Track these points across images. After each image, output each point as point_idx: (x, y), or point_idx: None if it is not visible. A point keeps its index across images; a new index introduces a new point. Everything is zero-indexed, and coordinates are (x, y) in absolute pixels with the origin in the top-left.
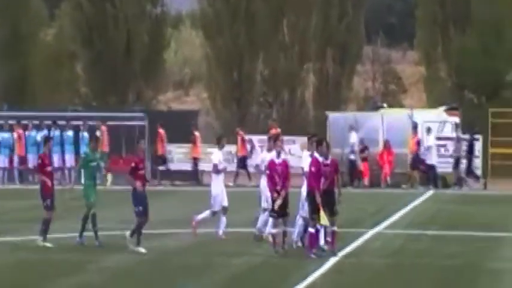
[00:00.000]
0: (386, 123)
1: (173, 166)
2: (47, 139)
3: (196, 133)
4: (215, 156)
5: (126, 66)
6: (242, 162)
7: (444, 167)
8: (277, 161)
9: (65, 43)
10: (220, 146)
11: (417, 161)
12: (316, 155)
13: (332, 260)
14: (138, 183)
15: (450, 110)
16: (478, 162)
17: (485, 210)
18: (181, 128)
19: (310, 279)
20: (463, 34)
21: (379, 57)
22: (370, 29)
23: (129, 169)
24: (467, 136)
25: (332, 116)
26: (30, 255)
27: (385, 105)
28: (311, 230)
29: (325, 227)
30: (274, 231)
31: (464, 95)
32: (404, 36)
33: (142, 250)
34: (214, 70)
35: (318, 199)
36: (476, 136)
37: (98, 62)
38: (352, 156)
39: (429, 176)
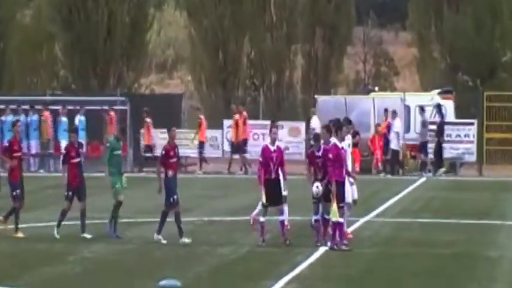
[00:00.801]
0: (377, 107)
1: (156, 153)
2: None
3: (148, 119)
4: None
5: (106, 48)
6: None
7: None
8: (272, 148)
9: (43, 24)
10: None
11: (386, 146)
12: (335, 141)
13: (321, 250)
14: (170, 172)
15: (444, 94)
16: (472, 148)
17: (480, 197)
18: (165, 112)
19: (298, 269)
20: (457, 13)
21: (370, 38)
22: (360, 8)
23: (160, 157)
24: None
25: (321, 99)
26: (11, 245)
27: (376, 88)
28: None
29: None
30: (262, 219)
31: (458, 77)
32: (397, 16)
33: (186, 240)
34: (199, 52)
35: (334, 189)
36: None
37: (78, 44)
38: None
39: (391, 161)
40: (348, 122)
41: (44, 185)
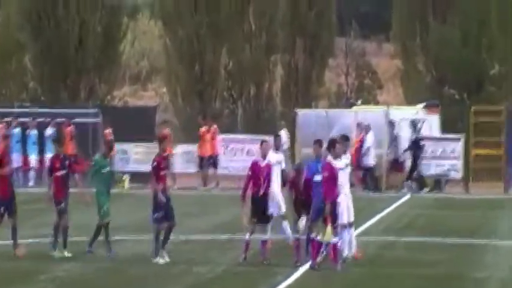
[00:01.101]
0: (360, 121)
1: (130, 167)
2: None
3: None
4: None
5: (78, 58)
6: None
7: (422, 168)
8: (262, 163)
9: (12, 33)
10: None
11: (358, 162)
12: (329, 158)
13: (302, 270)
14: (160, 186)
15: (429, 107)
16: (458, 164)
17: (466, 215)
18: (139, 125)
19: None
20: (443, 24)
21: (352, 49)
22: (342, 18)
23: (152, 170)
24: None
25: (302, 113)
26: None
27: (359, 102)
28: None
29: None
30: (247, 237)
31: (444, 90)
32: (380, 27)
33: (161, 261)
34: (174, 63)
35: (328, 210)
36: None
37: (48, 54)
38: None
39: (366, 178)
40: (345, 139)
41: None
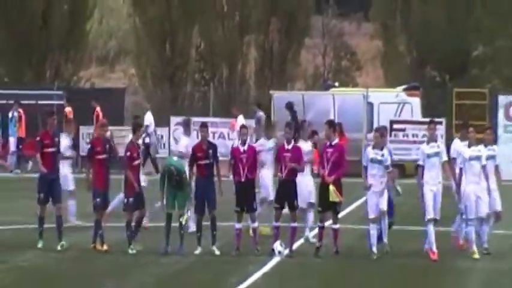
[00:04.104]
0: (338, 105)
1: None
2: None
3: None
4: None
5: (43, 37)
6: None
7: (403, 154)
8: (242, 148)
9: None
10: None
11: None
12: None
13: (275, 260)
14: (130, 174)
15: (410, 90)
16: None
17: (449, 203)
18: (106, 108)
19: (250, 280)
20: (425, 3)
21: (330, 29)
22: None
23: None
24: None
25: (277, 95)
26: None
27: (336, 84)
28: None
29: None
30: (238, 226)
31: (426, 72)
32: (359, 5)
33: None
34: (144, 43)
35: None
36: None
37: (12, 34)
38: None
39: None
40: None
41: None
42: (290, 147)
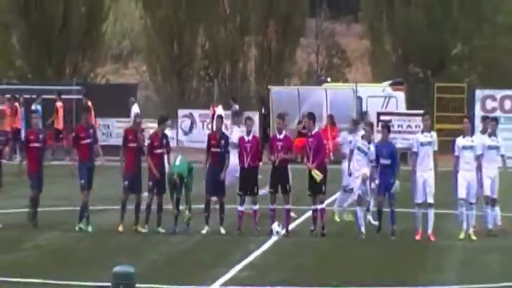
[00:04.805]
0: (330, 98)
1: (112, 141)
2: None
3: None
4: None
5: (62, 38)
6: None
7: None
8: (246, 138)
9: (0, 15)
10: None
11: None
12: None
13: (273, 239)
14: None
15: (395, 85)
16: None
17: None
18: (120, 102)
19: (251, 257)
20: (408, 7)
21: (322, 30)
22: (313, 1)
23: (148, 148)
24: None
25: (275, 90)
26: None
27: (328, 79)
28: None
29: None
30: (241, 208)
31: (409, 69)
32: (349, 8)
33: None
34: (154, 43)
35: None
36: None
37: (34, 34)
38: None
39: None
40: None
41: None
42: (282, 136)
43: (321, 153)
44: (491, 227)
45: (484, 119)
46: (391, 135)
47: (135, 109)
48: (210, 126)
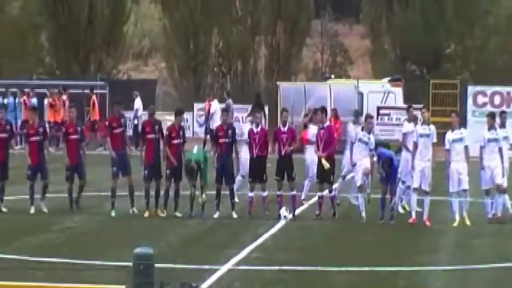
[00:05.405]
0: (333, 94)
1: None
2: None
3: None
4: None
5: (88, 38)
6: None
7: (387, 134)
8: (255, 130)
9: (31, 16)
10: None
11: None
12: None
13: (281, 223)
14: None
15: (394, 81)
16: None
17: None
18: (141, 96)
19: (261, 240)
20: (406, 9)
21: (327, 30)
22: (318, 3)
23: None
24: None
25: (283, 86)
26: None
27: (332, 76)
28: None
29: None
30: (251, 194)
31: (407, 67)
32: (351, 10)
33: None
34: (172, 42)
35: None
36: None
37: (62, 34)
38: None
39: None
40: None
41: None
42: (286, 129)
43: (331, 144)
44: (491, 216)
45: (501, 113)
46: (390, 127)
47: (137, 102)
48: (203, 118)
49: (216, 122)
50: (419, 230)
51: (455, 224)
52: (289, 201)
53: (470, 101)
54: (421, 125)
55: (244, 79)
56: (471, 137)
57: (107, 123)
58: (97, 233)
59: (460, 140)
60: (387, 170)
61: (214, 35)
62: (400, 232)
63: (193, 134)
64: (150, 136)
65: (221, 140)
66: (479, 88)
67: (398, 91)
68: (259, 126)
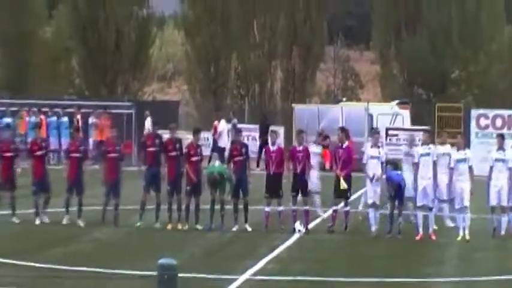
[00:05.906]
0: (345, 115)
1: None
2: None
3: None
4: None
5: (115, 61)
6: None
7: (395, 154)
8: (272, 148)
9: (62, 40)
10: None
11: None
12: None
13: (295, 236)
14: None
15: (402, 104)
16: None
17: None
18: (164, 117)
19: (276, 252)
20: (414, 36)
21: (339, 56)
22: (331, 30)
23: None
24: None
25: (298, 107)
26: (30, 226)
27: (344, 99)
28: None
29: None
30: (267, 209)
31: (414, 90)
32: (362, 37)
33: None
34: (194, 66)
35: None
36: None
37: (91, 57)
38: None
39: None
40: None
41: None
42: (301, 148)
43: (349, 164)
44: (503, 233)
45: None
46: (398, 147)
47: (148, 123)
48: (210, 138)
49: (223, 140)
50: (426, 243)
51: (459, 238)
52: (303, 215)
53: (473, 123)
54: (421, 146)
55: (261, 101)
56: (474, 157)
57: (142, 139)
58: (123, 244)
59: (464, 160)
60: (395, 193)
61: (234, 59)
62: (407, 245)
63: (212, 150)
64: (172, 154)
65: (236, 159)
66: (481, 111)
67: (406, 113)
68: (276, 145)
